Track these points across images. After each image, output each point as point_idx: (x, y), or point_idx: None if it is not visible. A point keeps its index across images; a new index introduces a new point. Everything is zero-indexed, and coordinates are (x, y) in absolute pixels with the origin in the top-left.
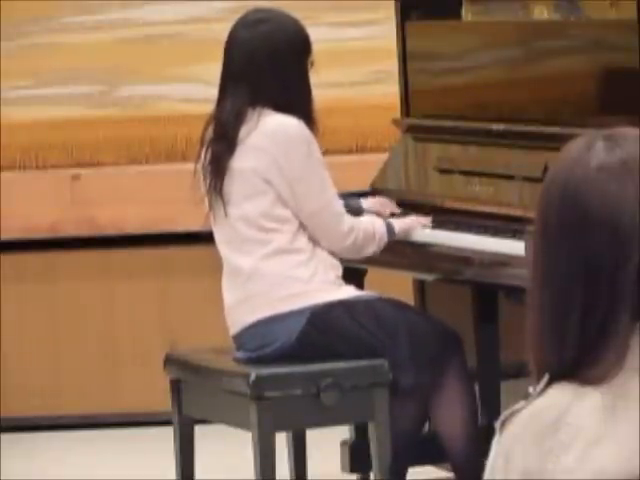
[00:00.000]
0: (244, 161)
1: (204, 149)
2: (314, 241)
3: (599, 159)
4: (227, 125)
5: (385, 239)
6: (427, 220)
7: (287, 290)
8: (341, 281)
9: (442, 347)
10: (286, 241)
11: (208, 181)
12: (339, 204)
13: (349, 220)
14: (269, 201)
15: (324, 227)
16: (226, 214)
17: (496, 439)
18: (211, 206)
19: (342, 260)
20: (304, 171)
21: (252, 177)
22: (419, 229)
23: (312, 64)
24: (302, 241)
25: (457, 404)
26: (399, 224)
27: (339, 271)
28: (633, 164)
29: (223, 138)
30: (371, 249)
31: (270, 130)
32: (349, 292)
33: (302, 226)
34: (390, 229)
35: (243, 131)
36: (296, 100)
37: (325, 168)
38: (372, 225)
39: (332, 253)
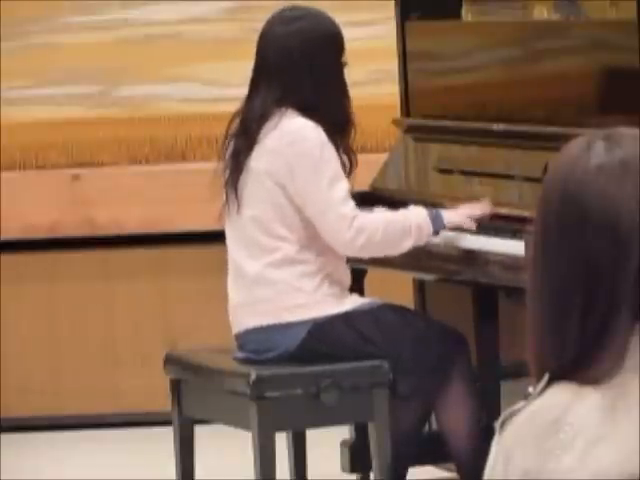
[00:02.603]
0: (260, 162)
1: (226, 143)
2: (323, 252)
3: (599, 159)
4: (251, 122)
5: (428, 229)
6: (484, 207)
7: (292, 300)
8: (347, 292)
9: (446, 350)
10: (293, 251)
11: (226, 175)
12: (348, 207)
13: (358, 222)
14: (281, 205)
15: (328, 230)
16: (239, 212)
17: (496, 439)
18: (226, 201)
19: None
20: (312, 175)
21: (266, 180)
22: (469, 222)
23: (345, 63)
24: (310, 252)
25: (462, 404)
26: (449, 215)
27: (347, 282)
28: (633, 164)
29: (245, 134)
30: (407, 243)
31: (285, 133)
32: (352, 303)
33: (312, 236)
34: (436, 219)
35: (264, 130)
36: (328, 101)
37: (337, 171)
38: (402, 218)
39: (350, 258)
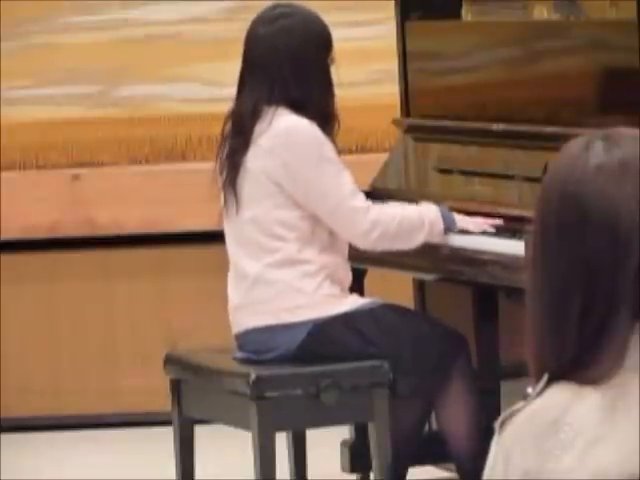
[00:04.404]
0: (256, 162)
1: (222, 144)
2: (324, 250)
3: (598, 159)
4: (244, 120)
5: (440, 226)
6: (491, 222)
7: (291, 301)
8: (347, 292)
9: (447, 350)
10: (294, 251)
11: (224, 176)
12: (359, 199)
13: (372, 214)
14: (279, 205)
15: (344, 224)
16: (238, 213)
17: (495, 439)
18: (225, 202)
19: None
20: (316, 173)
21: (263, 179)
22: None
23: (332, 61)
24: (310, 251)
25: (462, 404)
26: (461, 218)
27: (348, 281)
28: (632, 164)
29: (239, 134)
30: (420, 237)
31: (280, 133)
32: (352, 303)
33: (312, 234)
34: (447, 216)
35: (257, 130)
36: (313, 96)
37: (339, 166)
38: (416, 212)
39: (351, 257)
